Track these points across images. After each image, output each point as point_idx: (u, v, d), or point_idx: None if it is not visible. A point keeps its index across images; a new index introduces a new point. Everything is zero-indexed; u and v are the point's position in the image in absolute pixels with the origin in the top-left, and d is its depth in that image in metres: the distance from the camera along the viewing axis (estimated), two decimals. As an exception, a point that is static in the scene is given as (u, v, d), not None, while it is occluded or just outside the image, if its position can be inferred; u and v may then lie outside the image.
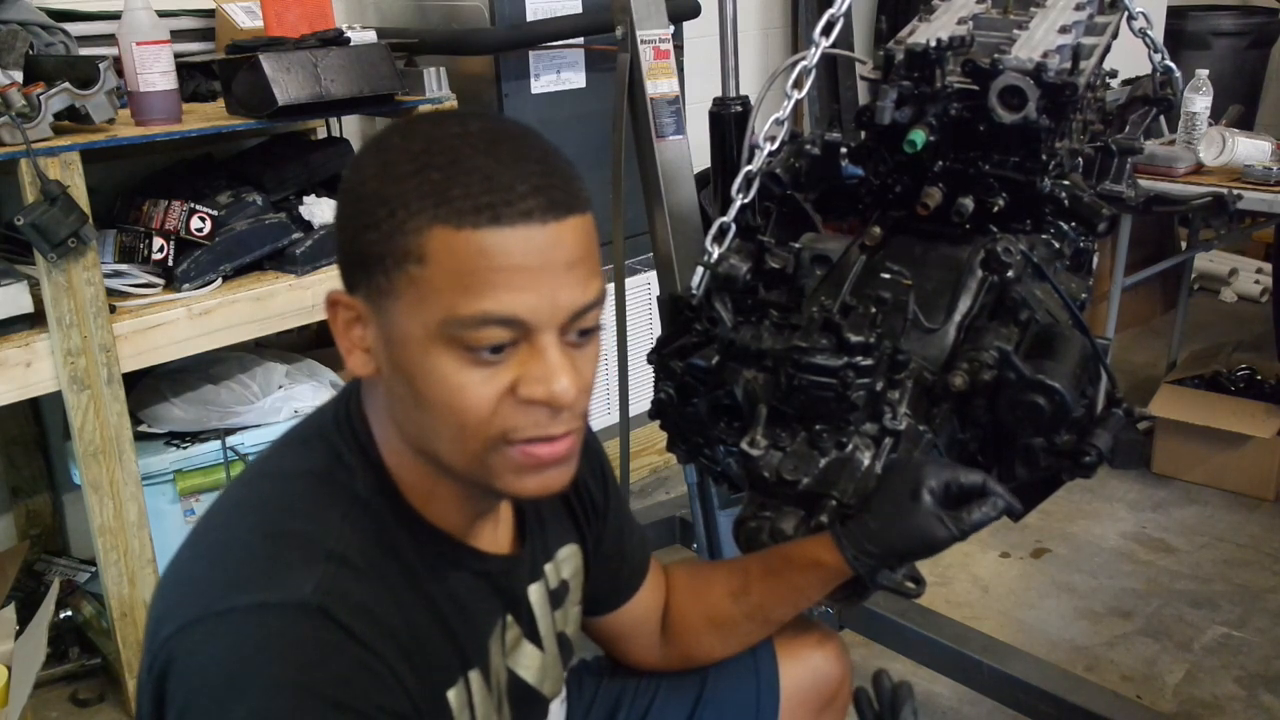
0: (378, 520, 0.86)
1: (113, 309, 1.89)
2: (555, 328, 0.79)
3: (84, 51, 2.05)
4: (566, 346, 0.81)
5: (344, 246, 0.83)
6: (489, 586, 0.95)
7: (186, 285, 2.00)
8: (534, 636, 1.03)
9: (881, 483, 1.15)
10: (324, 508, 0.85)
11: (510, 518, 1.01)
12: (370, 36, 2.16)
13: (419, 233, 0.76)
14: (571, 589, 1.09)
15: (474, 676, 0.92)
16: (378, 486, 0.88)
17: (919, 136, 1.34)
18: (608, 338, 2.74)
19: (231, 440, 2.14)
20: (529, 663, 1.02)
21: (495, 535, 0.97)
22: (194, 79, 2.26)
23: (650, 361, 1.43)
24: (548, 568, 1.05)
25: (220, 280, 2.05)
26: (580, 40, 2.57)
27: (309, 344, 2.49)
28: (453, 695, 0.89)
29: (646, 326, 2.90)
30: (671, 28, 1.88)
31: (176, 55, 1.98)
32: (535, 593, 1.03)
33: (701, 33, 2.61)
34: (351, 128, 2.62)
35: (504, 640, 0.98)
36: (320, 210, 2.17)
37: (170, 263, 2.03)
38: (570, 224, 0.79)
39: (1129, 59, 1.81)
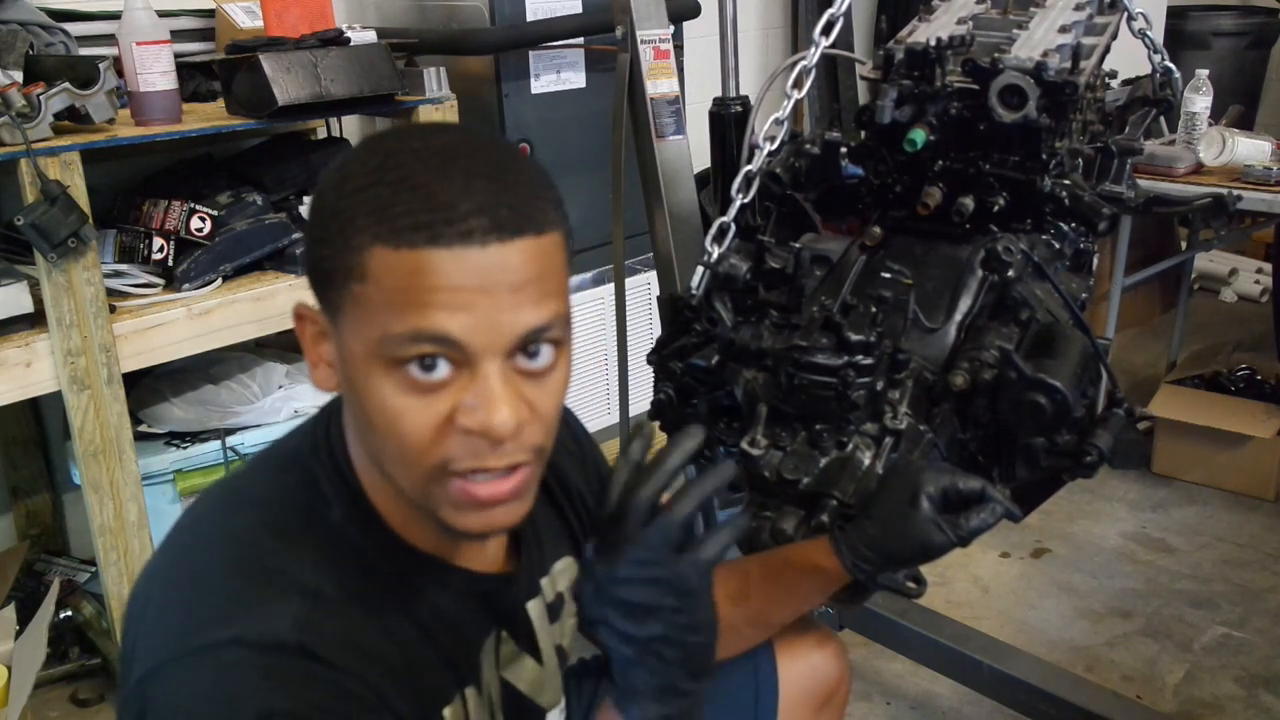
0: (355, 549, 0.85)
1: (113, 309, 1.89)
2: (499, 353, 0.76)
3: (84, 51, 2.05)
4: (517, 375, 0.78)
5: (305, 258, 0.82)
6: (478, 604, 0.94)
7: (186, 285, 2.00)
8: (534, 651, 1.02)
9: (880, 488, 1.14)
10: (299, 541, 0.84)
11: (503, 534, 0.99)
12: (370, 36, 2.16)
13: (361, 250, 0.75)
14: (567, 601, 1.08)
15: (469, 693, 0.91)
16: (355, 513, 0.86)
17: (919, 136, 1.34)
18: (608, 338, 2.75)
19: (231, 440, 2.14)
20: (526, 675, 1.01)
21: (484, 553, 0.96)
22: (194, 79, 2.26)
23: (650, 362, 1.43)
24: (544, 582, 1.04)
25: (220, 280, 2.05)
26: (580, 40, 2.57)
27: (309, 344, 2.48)
28: (449, 713, 0.89)
29: (646, 326, 2.90)
30: (671, 28, 1.88)
31: (176, 55, 1.97)
32: (534, 609, 1.02)
33: (701, 33, 2.62)
34: (351, 128, 2.62)
35: (497, 654, 0.97)
36: (320, 210, 2.17)
37: (170, 263, 2.03)
38: (518, 246, 0.75)
39: (1129, 59, 1.81)
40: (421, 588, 0.88)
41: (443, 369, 0.76)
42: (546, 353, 0.79)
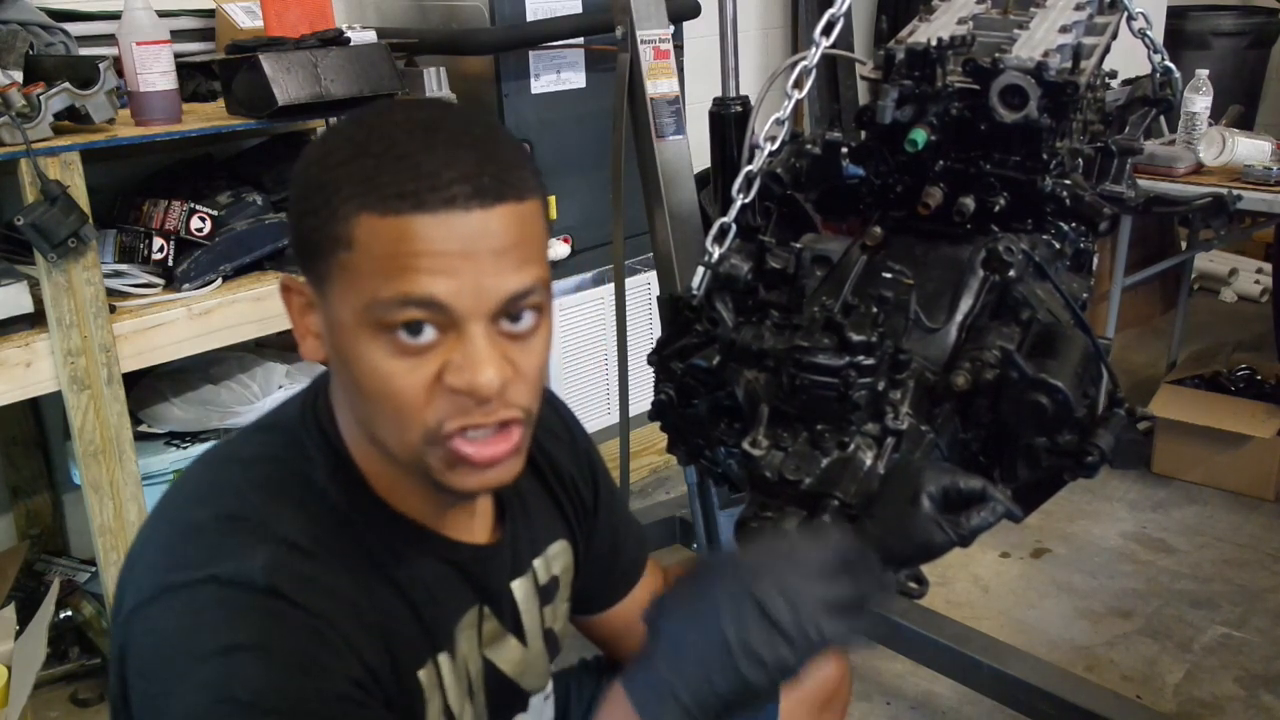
0: (337, 509, 0.87)
1: (113, 309, 1.89)
2: (483, 315, 0.79)
3: (84, 51, 2.05)
4: (501, 337, 0.80)
5: (291, 231, 0.84)
6: (458, 574, 0.95)
7: (186, 285, 2.00)
8: (518, 631, 1.02)
9: (881, 488, 1.14)
10: (278, 495, 0.86)
11: (490, 508, 1.01)
12: (370, 36, 2.16)
13: (348, 219, 0.77)
14: (561, 585, 1.09)
15: (443, 659, 0.93)
16: (338, 474, 0.88)
17: (920, 136, 1.34)
18: (608, 338, 2.75)
19: (231, 440, 2.13)
20: (509, 656, 1.02)
21: (470, 524, 0.97)
22: (194, 79, 2.26)
23: (650, 362, 1.43)
24: (537, 563, 1.05)
25: (220, 280, 2.05)
26: (580, 40, 2.57)
27: (309, 344, 2.48)
28: (423, 675, 0.90)
29: (646, 326, 2.90)
30: (671, 28, 1.88)
31: (176, 55, 1.97)
32: (520, 588, 1.02)
33: (701, 33, 2.62)
34: (351, 128, 2.62)
35: (480, 630, 0.98)
36: (320, 210, 2.17)
37: (170, 263, 2.03)
38: (500, 211, 0.78)
39: (1129, 59, 1.81)
40: (402, 553, 0.90)
41: (429, 333, 0.78)
42: (529, 317, 0.82)
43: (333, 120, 2.46)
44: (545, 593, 1.06)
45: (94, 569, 2.17)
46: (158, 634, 0.80)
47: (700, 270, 1.48)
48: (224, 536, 0.83)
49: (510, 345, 0.81)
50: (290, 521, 0.84)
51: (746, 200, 1.51)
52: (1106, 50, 1.60)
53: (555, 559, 1.07)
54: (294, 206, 0.83)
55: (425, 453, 0.82)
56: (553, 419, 1.10)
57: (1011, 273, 1.29)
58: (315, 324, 0.85)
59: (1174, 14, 3.87)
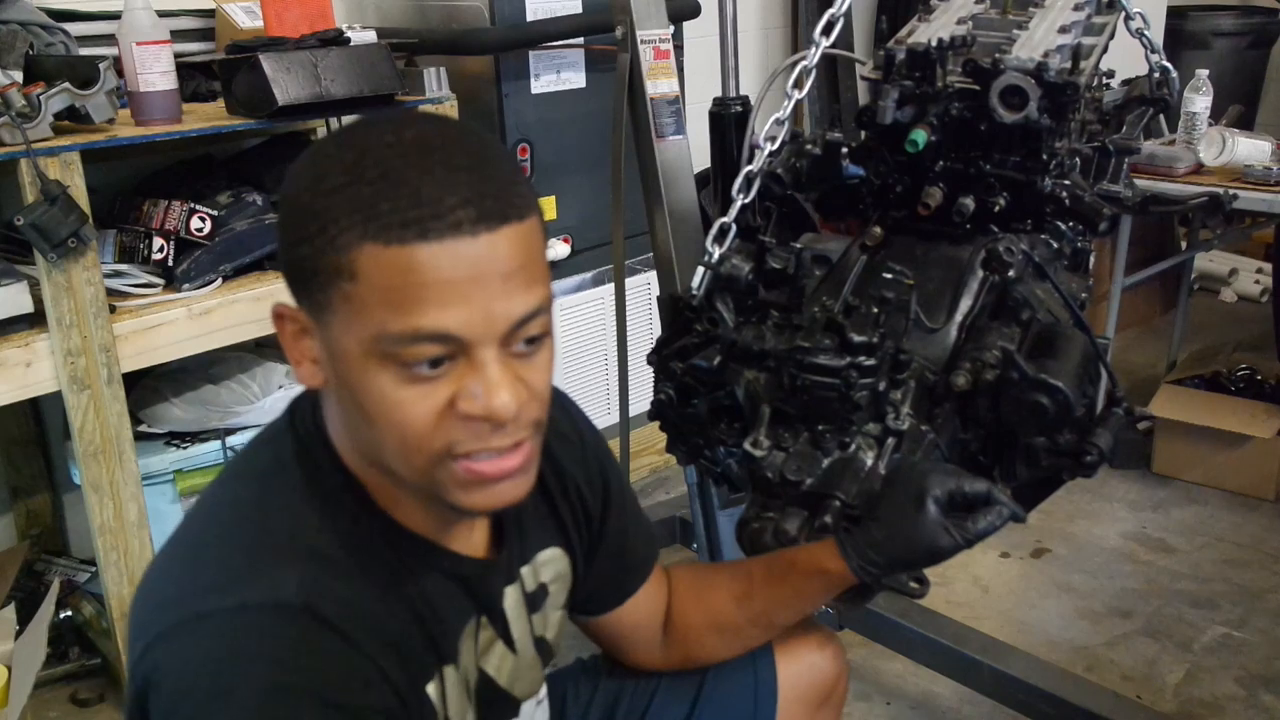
0: (353, 518, 0.87)
1: (113, 309, 1.89)
2: (494, 340, 0.78)
3: (84, 51, 2.05)
4: (510, 357, 0.80)
5: (283, 258, 0.82)
6: (462, 588, 0.95)
7: (186, 285, 2.00)
8: (507, 639, 1.02)
9: (885, 490, 1.14)
10: (300, 502, 0.85)
11: (487, 520, 1.00)
12: (370, 36, 2.16)
13: (349, 249, 0.75)
14: (552, 593, 1.08)
15: (449, 671, 0.92)
16: (347, 488, 0.88)
17: (920, 136, 1.34)
18: (608, 338, 2.75)
19: (231, 440, 2.14)
20: (500, 664, 1.02)
21: (470, 537, 0.97)
22: (194, 79, 2.26)
23: (650, 362, 1.43)
24: (524, 570, 1.04)
25: (220, 280, 2.05)
26: (580, 40, 2.57)
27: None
28: (431, 690, 0.90)
29: (646, 326, 2.90)
30: (671, 28, 1.88)
31: (176, 55, 1.97)
32: (510, 596, 1.02)
33: (701, 33, 2.61)
34: (351, 128, 2.61)
35: (477, 640, 0.98)
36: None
37: (170, 263, 2.03)
38: (505, 233, 0.76)
39: (1126, 59, 1.81)
40: (411, 567, 0.89)
41: (439, 359, 0.77)
42: (536, 334, 0.81)
43: (333, 122, 2.47)
44: (532, 600, 1.05)
45: (94, 569, 2.17)
46: (186, 668, 0.77)
47: (700, 270, 1.48)
48: (251, 554, 0.82)
49: (520, 364, 0.80)
50: (317, 529, 0.83)
51: (746, 200, 1.51)
52: (1104, 50, 1.60)
53: (544, 567, 1.07)
54: (285, 233, 0.81)
55: (435, 475, 0.81)
56: (564, 422, 1.09)
57: (1011, 273, 1.29)
58: (311, 350, 0.84)
59: (1174, 14, 3.87)
